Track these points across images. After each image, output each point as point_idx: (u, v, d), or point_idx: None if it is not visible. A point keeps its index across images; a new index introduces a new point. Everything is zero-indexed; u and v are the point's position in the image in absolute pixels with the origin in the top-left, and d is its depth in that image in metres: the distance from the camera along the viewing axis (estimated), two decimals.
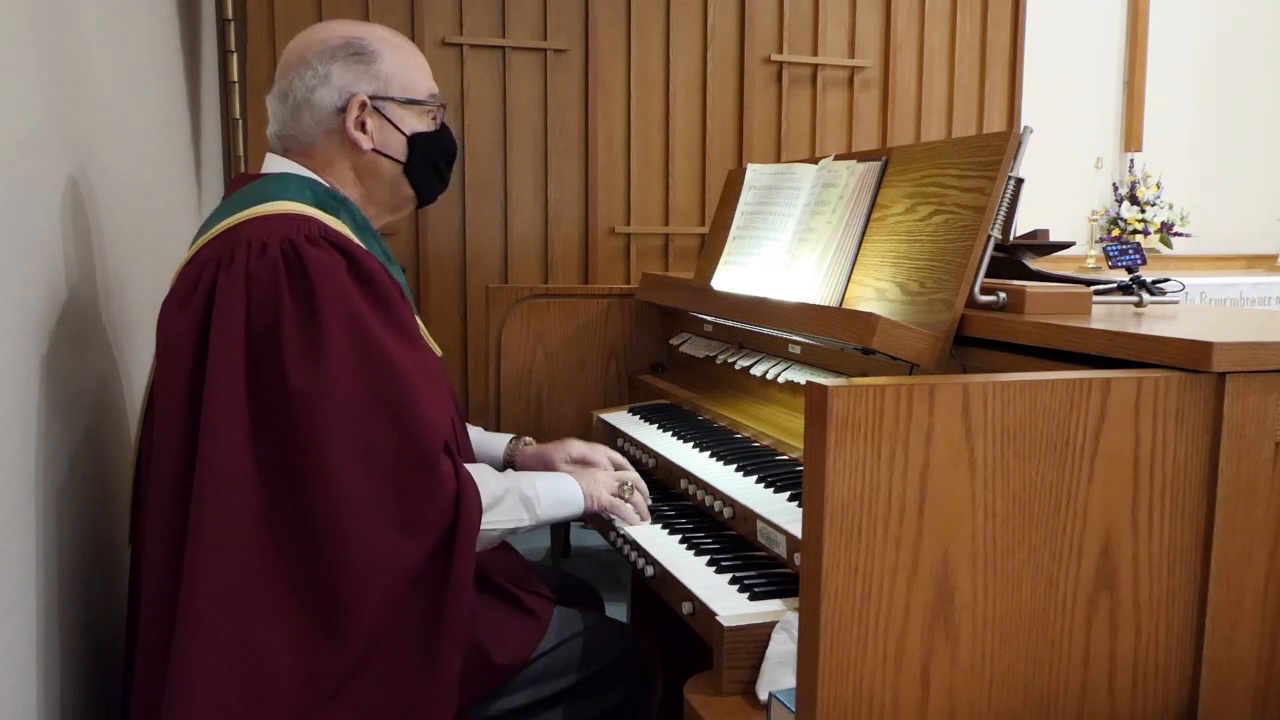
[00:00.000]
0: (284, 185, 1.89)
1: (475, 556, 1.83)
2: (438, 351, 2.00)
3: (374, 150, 1.99)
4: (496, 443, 2.45)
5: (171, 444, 1.72)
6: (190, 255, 1.82)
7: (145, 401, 1.86)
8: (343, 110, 1.96)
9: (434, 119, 2.07)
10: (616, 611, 2.91)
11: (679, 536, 2.11)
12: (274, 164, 1.99)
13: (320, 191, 1.91)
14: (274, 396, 1.70)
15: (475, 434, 2.45)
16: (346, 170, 2.00)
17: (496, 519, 1.92)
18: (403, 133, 2.02)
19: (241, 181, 1.96)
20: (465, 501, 1.79)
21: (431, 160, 2.07)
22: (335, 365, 1.71)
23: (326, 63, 1.96)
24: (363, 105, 1.97)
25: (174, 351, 1.74)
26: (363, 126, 1.98)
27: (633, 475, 2.29)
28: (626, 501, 2.21)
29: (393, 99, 2.00)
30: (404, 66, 2.02)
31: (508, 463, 2.41)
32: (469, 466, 1.90)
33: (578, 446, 2.37)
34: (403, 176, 2.04)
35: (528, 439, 2.47)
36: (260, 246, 1.75)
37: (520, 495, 1.98)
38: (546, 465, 2.33)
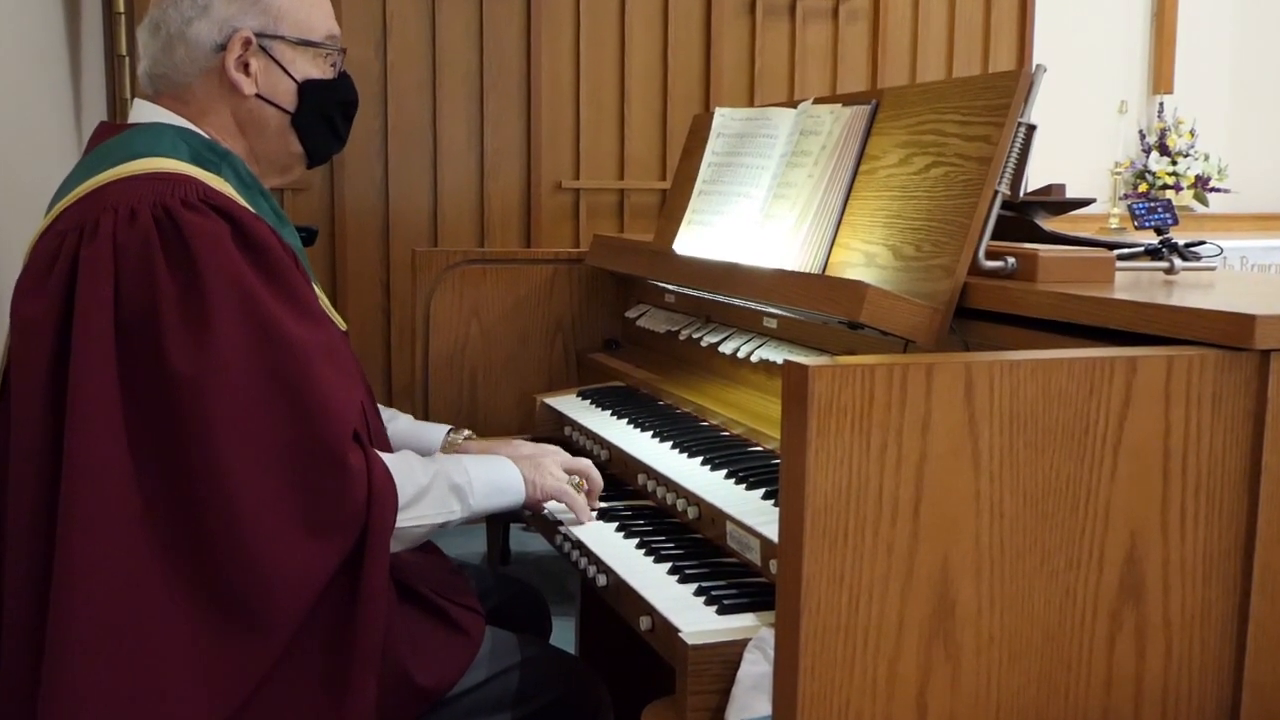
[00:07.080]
0: (156, 138, 1.87)
1: (393, 560, 1.84)
2: (342, 325, 1.99)
3: (257, 96, 1.99)
4: (431, 435, 2.44)
5: (32, 445, 1.70)
6: (46, 224, 1.80)
7: None
8: (223, 48, 1.95)
9: (332, 65, 2.07)
10: (563, 626, 2.91)
11: (636, 540, 2.12)
12: (143, 112, 1.98)
13: (198, 145, 1.90)
14: (152, 385, 1.68)
15: (405, 424, 2.45)
16: (227, 119, 2.00)
17: (421, 514, 1.91)
18: (293, 78, 2.02)
19: (106, 133, 1.94)
20: (377, 498, 1.79)
21: (324, 112, 2.07)
22: (225, 347, 1.69)
23: None
24: (246, 43, 1.96)
25: (31, 338, 1.72)
26: (245, 68, 1.97)
27: (586, 463, 2.27)
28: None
29: (283, 38, 2.00)
30: (299, 2, 2.01)
31: None
32: (389, 456, 1.89)
33: (526, 449, 2.34)
34: (290, 129, 2.04)
35: (468, 432, 2.47)
36: (129, 213, 1.73)
37: (449, 483, 1.97)
38: None
